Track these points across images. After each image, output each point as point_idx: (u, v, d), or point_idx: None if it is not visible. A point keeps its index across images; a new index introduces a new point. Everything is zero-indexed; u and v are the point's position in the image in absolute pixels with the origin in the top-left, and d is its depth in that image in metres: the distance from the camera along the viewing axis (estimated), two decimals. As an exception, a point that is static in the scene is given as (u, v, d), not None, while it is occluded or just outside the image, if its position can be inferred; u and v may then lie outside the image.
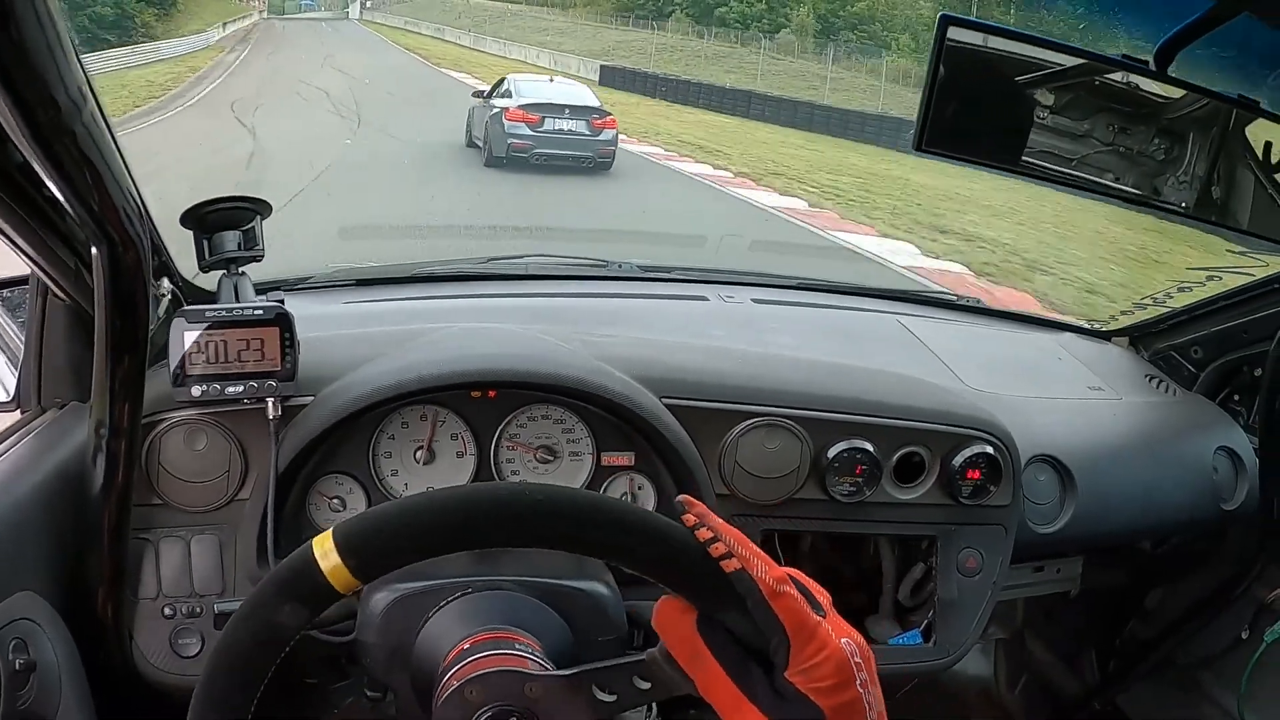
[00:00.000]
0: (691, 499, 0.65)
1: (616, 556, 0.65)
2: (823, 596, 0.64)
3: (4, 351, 1.15)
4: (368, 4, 45.52)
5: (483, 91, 12.70)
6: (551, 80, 14.00)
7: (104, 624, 0.97)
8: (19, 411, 1.09)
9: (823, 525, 1.22)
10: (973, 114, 1.06)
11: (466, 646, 0.77)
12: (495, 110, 11.71)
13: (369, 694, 0.90)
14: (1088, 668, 1.84)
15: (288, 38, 31.57)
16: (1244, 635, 1.62)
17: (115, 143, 0.83)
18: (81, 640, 0.93)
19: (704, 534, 0.63)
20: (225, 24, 30.47)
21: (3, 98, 0.58)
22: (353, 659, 0.89)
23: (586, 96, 13.03)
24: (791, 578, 0.63)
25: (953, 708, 2.00)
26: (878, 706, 0.60)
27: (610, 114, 12.16)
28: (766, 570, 0.62)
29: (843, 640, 0.60)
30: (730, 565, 0.62)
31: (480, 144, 11.93)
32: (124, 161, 0.82)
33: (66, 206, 0.76)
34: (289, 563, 0.64)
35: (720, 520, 0.64)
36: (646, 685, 0.69)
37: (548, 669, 0.74)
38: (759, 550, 0.63)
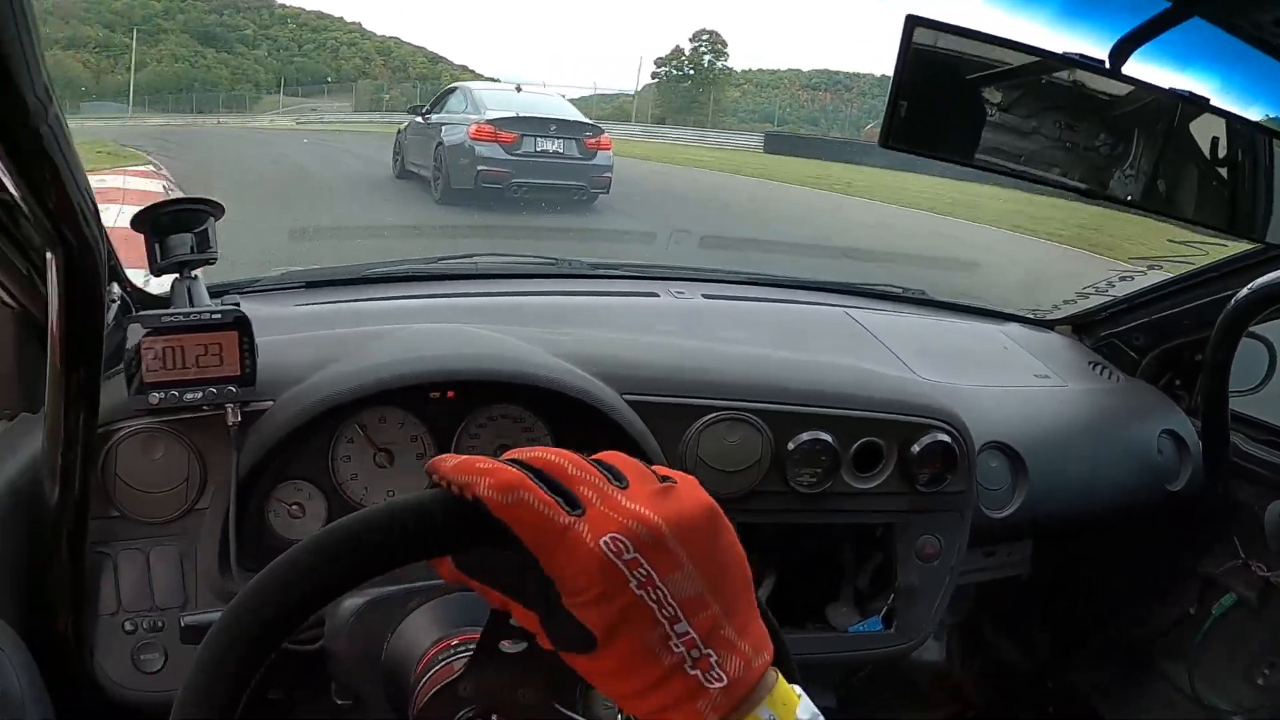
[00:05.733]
0: (435, 464, 0.51)
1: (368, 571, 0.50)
2: (630, 467, 0.51)
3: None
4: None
5: (420, 107, 9.07)
6: (518, 90, 9.71)
7: (65, 643, 0.94)
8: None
9: (785, 517, 1.24)
10: (932, 112, 1.07)
11: (444, 648, 0.76)
12: (450, 127, 8.03)
13: (338, 700, 0.87)
14: (1040, 648, 1.89)
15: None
16: (1192, 610, 1.69)
17: (72, 146, 0.80)
18: (42, 661, 0.89)
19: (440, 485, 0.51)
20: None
21: None
22: (319, 668, 0.86)
23: (571, 110, 9.37)
24: (544, 470, 0.49)
25: (907, 691, 2.04)
26: (679, 594, 0.48)
27: (604, 130, 8.59)
28: (491, 483, 0.48)
29: (604, 539, 0.47)
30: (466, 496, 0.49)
31: (420, 172, 8.48)
32: (80, 166, 0.79)
33: (24, 207, 0.72)
34: None
35: (459, 458, 0.51)
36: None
37: None
38: (496, 463, 0.49)
